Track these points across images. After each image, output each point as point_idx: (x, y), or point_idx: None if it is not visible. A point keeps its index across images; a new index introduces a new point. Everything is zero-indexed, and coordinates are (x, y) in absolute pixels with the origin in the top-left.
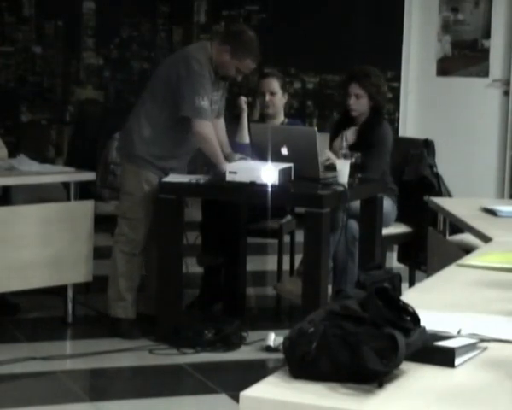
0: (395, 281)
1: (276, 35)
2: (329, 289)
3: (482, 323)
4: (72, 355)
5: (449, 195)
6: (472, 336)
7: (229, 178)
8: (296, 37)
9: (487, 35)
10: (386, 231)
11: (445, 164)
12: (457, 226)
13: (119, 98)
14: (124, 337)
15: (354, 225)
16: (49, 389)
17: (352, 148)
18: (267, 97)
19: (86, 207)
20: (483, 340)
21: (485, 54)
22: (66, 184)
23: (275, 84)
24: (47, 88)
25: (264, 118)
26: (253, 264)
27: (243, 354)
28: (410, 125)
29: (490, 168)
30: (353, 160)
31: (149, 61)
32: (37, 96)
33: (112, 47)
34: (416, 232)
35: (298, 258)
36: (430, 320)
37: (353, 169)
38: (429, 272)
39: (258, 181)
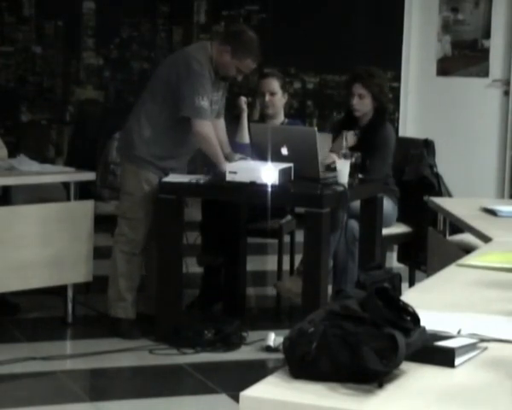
0: (395, 281)
1: (276, 35)
2: (329, 289)
3: (482, 323)
4: (72, 355)
5: (449, 195)
6: (472, 336)
7: (229, 178)
8: (296, 37)
9: (487, 35)
10: (386, 231)
11: (445, 164)
12: (457, 226)
13: (119, 98)
14: (124, 337)
15: (354, 224)
16: (49, 389)
17: (356, 149)
18: (267, 97)
19: (86, 207)
20: (483, 340)
21: (485, 54)
22: (66, 184)
23: (275, 85)
24: (47, 88)
25: (264, 118)
26: (253, 264)
27: (243, 354)
28: (410, 125)
29: (490, 168)
30: (353, 160)
31: (149, 61)
32: (37, 96)
33: (112, 47)
34: (415, 232)
35: (298, 258)
36: (430, 320)
37: (353, 169)
38: (429, 272)
39: (258, 181)
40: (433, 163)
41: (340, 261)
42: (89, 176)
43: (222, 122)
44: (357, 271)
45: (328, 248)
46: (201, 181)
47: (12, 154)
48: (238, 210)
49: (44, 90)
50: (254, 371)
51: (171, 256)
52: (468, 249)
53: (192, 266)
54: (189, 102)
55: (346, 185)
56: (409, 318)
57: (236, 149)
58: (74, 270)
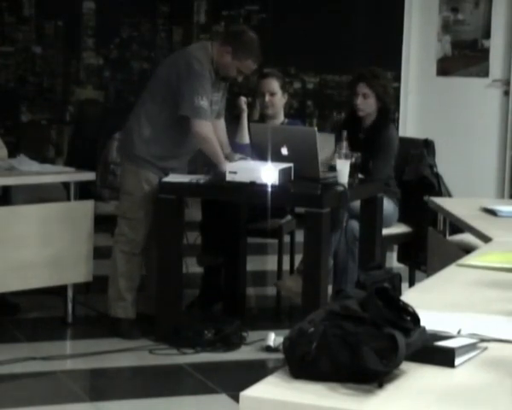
0: (395, 281)
1: (276, 35)
2: (329, 289)
3: (482, 323)
4: (72, 355)
5: (449, 195)
6: (472, 336)
7: (229, 178)
8: (296, 37)
9: (487, 35)
10: (386, 231)
11: (445, 164)
12: (457, 226)
13: (119, 98)
14: (124, 337)
15: (355, 224)
16: (49, 389)
17: (359, 150)
18: (267, 98)
19: (86, 207)
20: (483, 340)
21: (485, 54)
22: (66, 184)
23: (274, 85)
24: (47, 88)
25: (263, 118)
26: (253, 264)
27: (243, 354)
28: (410, 125)
29: (490, 168)
30: (353, 160)
31: (149, 61)
32: (37, 96)
33: (112, 47)
34: (415, 232)
35: (298, 258)
36: (430, 320)
37: (353, 169)
38: (429, 272)
39: (258, 181)
40: (433, 163)
41: (340, 261)
42: (89, 176)
43: (222, 122)
44: (358, 271)
45: (328, 248)
46: (201, 181)
47: (12, 154)
48: (238, 210)
49: (44, 90)
50: (254, 371)
51: (171, 256)
52: (468, 249)
53: (192, 266)
54: (188, 102)
55: (346, 185)
56: (409, 318)
57: (236, 149)
58: (74, 270)
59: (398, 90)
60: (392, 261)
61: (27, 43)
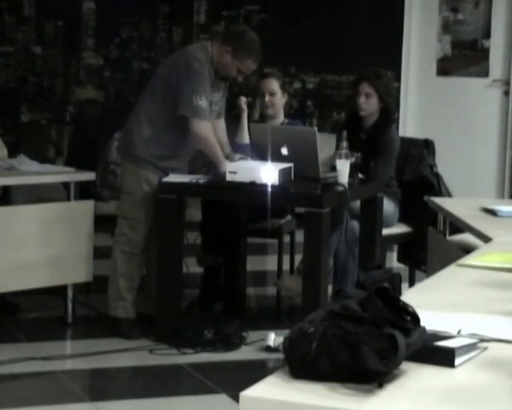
0: (395, 281)
1: (276, 35)
2: (329, 288)
3: (482, 323)
4: (72, 355)
5: (449, 195)
6: (472, 336)
7: (229, 178)
8: (296, 37)
9: (487, 35)
10: (386, 231)
11: (445, 164)
12: (457, 226)
13: (119, 98)
14: (124, 337)
15: (355, 224)
16: (49, 389)
17: (360, 150)
18: (267, 98)
19: (86, 207)
20: (483, 340)
21: (485, 54)
22: (66, 184)
23: (274, 85)
24: (47, 88)
25: (263, 118)
26: (253, 264)
27: (243, 354)
28: (410, 125)
29: (490, 168)
30: (353, 160)
31: (149, 61)
32: (37, 96)
33: (112, 47)
34: (415, 232)
35: (298, 258)
36: (430, 320)
37: (353, 169)
38: (429, 272)
39: (258, 181)
40: (433, 163)
41: (340, 261)
42: (89, 176)
43: (222, 123)
44: (358, 271)
45: (328, 248)
46: (201, 181)
47: (12, 154)
48: (238, 210)
49: (44, 90)
50: (254, 371)
51: (171, 256)
52: (468, 249)
53: (192, 266)
54: (187, 102)
55: (346, 185)
56: (409, 318)
57: (236, 149)
58: (74, 270)
59: (398, 90)
60: (392, 261)
61: (27, 43)
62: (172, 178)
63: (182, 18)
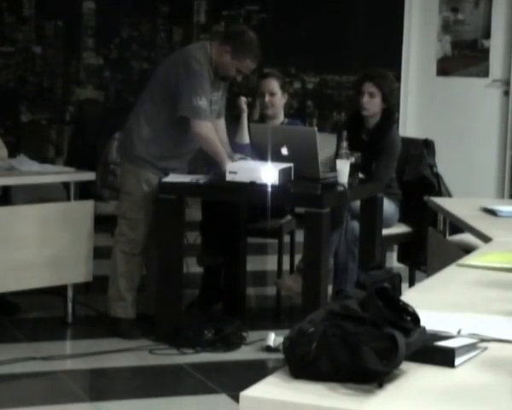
0: (395, 281)
1: (276, 35)
2: (329, 288)
3: (482, 323)
4: (72, 355)
5: (449, 195)
6: (472, 336)
7: (229, 178)
8: (296, 37)
9: (487, 35)
10: (386, 231)
11: (445, 164)
12: (457, 226)
13: (119, 98)
14: (124, 337)
15: (355, 224)
16: (49, 389)
17: (362, 151)
18: (267, 98)
19: (86, 207)
20: (483, 340)
21: (485, 54)
22: (66, 184)
23: (274, 85)
24: (47, 88)
25: (263, 118)
26: (253, 264)
27: (243, 354)
28: (410, 125)
29: (490, 168)
30: (353, 160)
31: (149, 61)
32: (37, 96)
33: (112, 47)
34: (415, 232)
35: (298, 258)
36: (430, 320)
37: (353, 169)
38: (429, 272)
39: (258, 181)
40: (433, 163)
41: (340, 261)
42: (89, 176)
43: (222, 122)
44: (358, 271)
45: (328, 248)
46: (201, 181)
47: (12, 154)
48: (238, 210)
49: (44, 90)
50: (254, 371)
51: (171, 256)
52: (468, 249)
53: (192, 266)
54: (187, 102)
55: (346, 185)
56: (409, 318)
57: (236, 149)
58: (74, 270)
59: (398, 90)
60: (392, 261)
61: (27, 43)
62: (172, 178)
63: (182, 18)
